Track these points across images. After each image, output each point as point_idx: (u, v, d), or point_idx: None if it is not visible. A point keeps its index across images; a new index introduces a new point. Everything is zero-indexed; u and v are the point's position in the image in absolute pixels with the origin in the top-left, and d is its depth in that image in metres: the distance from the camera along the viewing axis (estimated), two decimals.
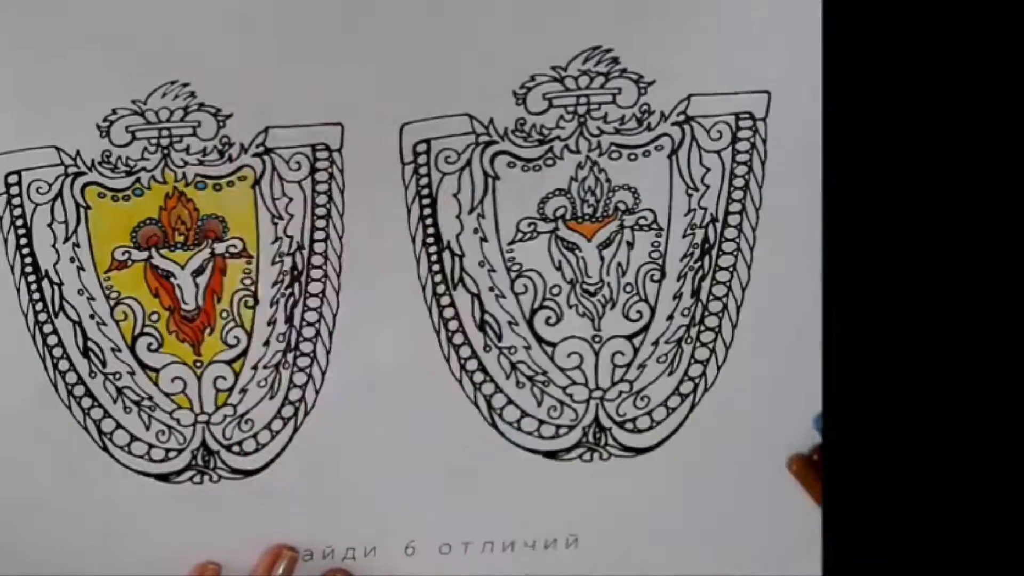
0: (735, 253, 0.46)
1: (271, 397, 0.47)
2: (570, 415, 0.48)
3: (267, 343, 0.47)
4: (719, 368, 0.47)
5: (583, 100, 0.44)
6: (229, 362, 0.47)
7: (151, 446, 0.48)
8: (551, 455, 0.48)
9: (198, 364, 0.47)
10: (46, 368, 0.46)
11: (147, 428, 0.47)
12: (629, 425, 0.48)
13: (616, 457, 0.48)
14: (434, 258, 0.46)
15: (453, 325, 0.46)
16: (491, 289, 0.46)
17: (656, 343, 0.47)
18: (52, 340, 0.46)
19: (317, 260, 0.46)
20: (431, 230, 0.45)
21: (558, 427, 0.48)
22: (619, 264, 0.46)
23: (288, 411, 0.47)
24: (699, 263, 0.46)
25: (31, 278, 0.45)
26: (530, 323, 0.47)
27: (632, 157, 0.45)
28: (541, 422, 0.48)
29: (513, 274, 0.46)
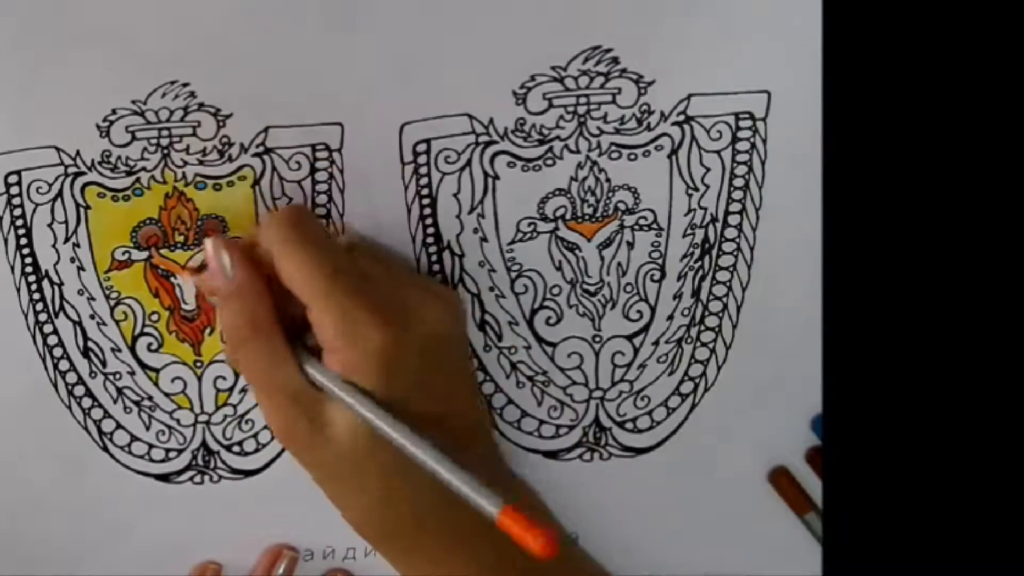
0: (735, 253, 0.46)
1: None
2: (570, 415, 0.48)
3: None
4: (719, 368, 0.47)
5: (583, 100, 0.44)
6: None
7: (151, 446, 0.48)
8: (551, 455, 0.48)
9: (198, 364, 0.47)
10: (46, 368, 0.46)
11: (147, 428, 0.47)
12: (629, 425, 0.48)
13: (616, 457, 0.48)
14: (434, 258, 0.46)
15: None
16: (491, 289, 0.46)
17: (656, 343, 0.47)
18: (52, 340, 0.46)
19: None
20: (431, 230, 0.45)
21: (558, 427, 0.48)
22: (619, 264, 0.46)
23: None
24: (699, 263, 0.46)
25: (31, 278, 0.45)
26: (530, 323, 0.47)
27: (632, 157, 0.45)
28: (541, 422, 0.48)
29: (513, 274, 0.46)
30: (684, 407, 0.48)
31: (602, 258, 0.46)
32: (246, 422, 0.47)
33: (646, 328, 0.47)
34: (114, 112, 0.43)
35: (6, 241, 0.45)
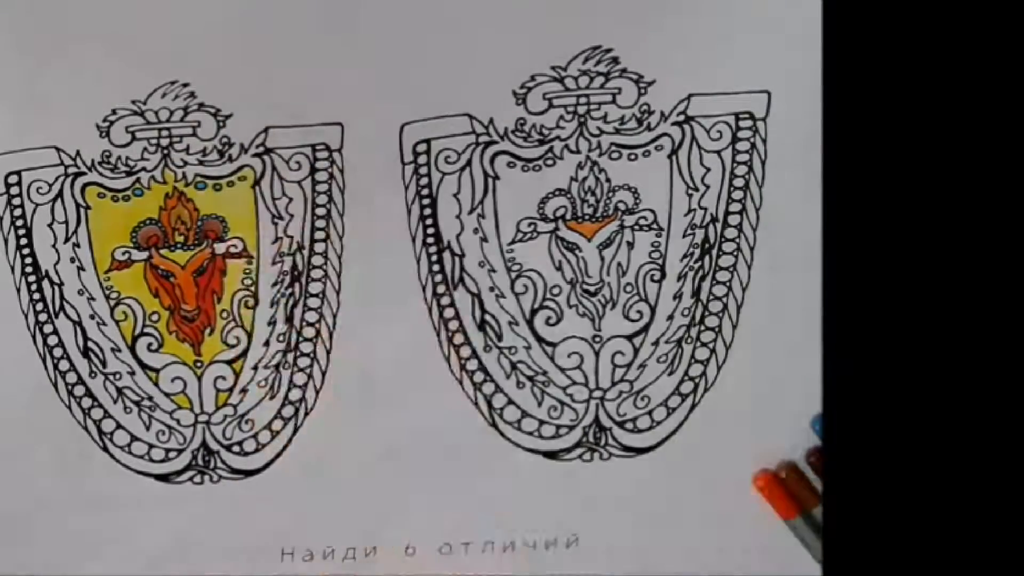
0: (735, 253, 0.46)
1: (271, 397, 0.47)
2: (570, 415, 0.48)
3: (267, 343, 0.47)
4: (719, 368, 0.47)
5: (583, 100, 0.44)
6: (229, 362, 0.47)
7: (151, 446, 0.48)
8: (551, 455, 0.48)
9: (198, 364, 0.47)
10: (46, 368, 0.46)
11: (147, 428, 0.47)
12: (629, 425, 0.48)
13: (616, 457, 0.48)
14: (434, 258, 0.46)
15: (453, 325, 0.46)
16: (491, 289, 0.46)
17: (656, 343, 0.47)
18: (52, 340, 0.46)
19: (317, 260, 0.46)
20: (431, 230, 0.45)
21: (558, 427, 0.48)
22: (619, 264, 0.46)
23: (288, 411, 0.47)
24: (699, 263, 0.46)
25: (31, 278, 0.45)
26: (530, 323, 0.47)
27: (632, 157, 0.45)
28: (541, 422, 0.48)
29: (513, 274, 0.46)
30: (684, 407, 0.48)
31: (602, 258, 0.46)
32: (246, 422, 0.47)
33: (646, 328, 0.47)
34: (114, 112, 0.43)
35: (6, 241, 0.45)
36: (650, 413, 0.48)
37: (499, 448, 0.48)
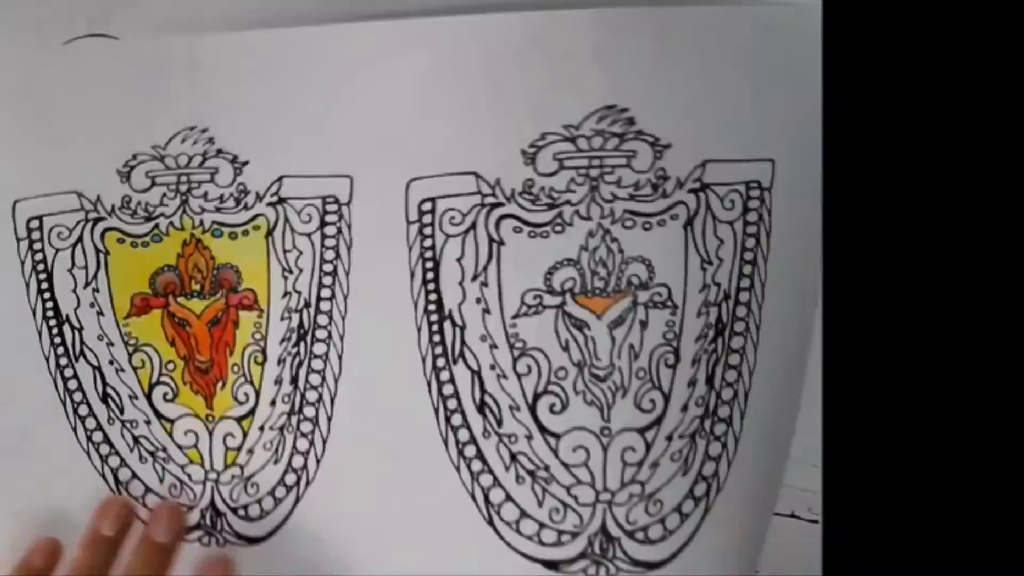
0: (744, 334, 0.39)
1: (275, 461, 0.45)
2: (574, 519, 0.42)
3: (273, 403, 0.45)
4: (730, 464, 0.40)
5: (596, 162, 0.39)
6: (238, 419, 0.45)
7: (164, 499, 0.46)
8: (551, 565, 0.42)
9: (210, 418, 0.46)
10: (66, 413, 0.46)
11: (161, 481, 0.46)
12: (640, 535, 0.42)
13: (625, 573, 0.42)
14: (435, 327, 0.42)
15: (452, 404, 0.42)
16: (492, 367, 0.42)
17: (670, 438, 0.41)
18: (72, 384, 0.46)
19: (322, 320, 0.44)
20: (433, 296, 0.42)
21: (560, 532, 0.42)
22: (631, 346, 0.40)
23: (291, 479, 0.45)
24: (713, 345, 0.40)
25: (52, 322, 0.46)
26: (532, 409, 0.42)
27: (647, 226, 0.40)
28: (541, 525, 0.42)
29: (516, 351, 0.42)
30: (697, 512, 0.41)
31: (613, 339, 0.41)
32: (252, 485, 0.46)
33: (659, 420, 0.41)
34: (134, 157, 0.43)
35: (28, 286, 0.46)
36: (663, 520, 0.41)
37: (495, 550, 0.43)
